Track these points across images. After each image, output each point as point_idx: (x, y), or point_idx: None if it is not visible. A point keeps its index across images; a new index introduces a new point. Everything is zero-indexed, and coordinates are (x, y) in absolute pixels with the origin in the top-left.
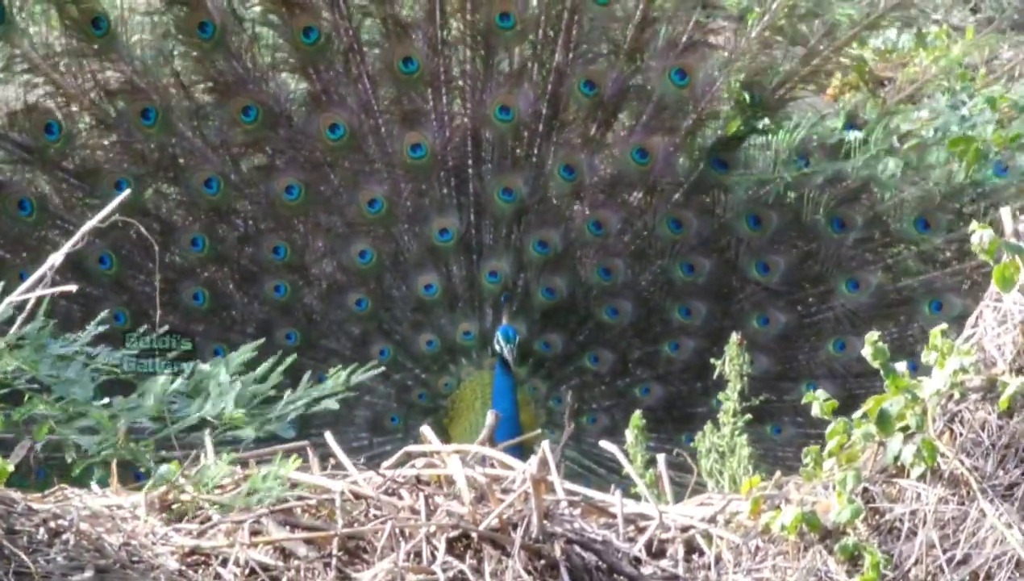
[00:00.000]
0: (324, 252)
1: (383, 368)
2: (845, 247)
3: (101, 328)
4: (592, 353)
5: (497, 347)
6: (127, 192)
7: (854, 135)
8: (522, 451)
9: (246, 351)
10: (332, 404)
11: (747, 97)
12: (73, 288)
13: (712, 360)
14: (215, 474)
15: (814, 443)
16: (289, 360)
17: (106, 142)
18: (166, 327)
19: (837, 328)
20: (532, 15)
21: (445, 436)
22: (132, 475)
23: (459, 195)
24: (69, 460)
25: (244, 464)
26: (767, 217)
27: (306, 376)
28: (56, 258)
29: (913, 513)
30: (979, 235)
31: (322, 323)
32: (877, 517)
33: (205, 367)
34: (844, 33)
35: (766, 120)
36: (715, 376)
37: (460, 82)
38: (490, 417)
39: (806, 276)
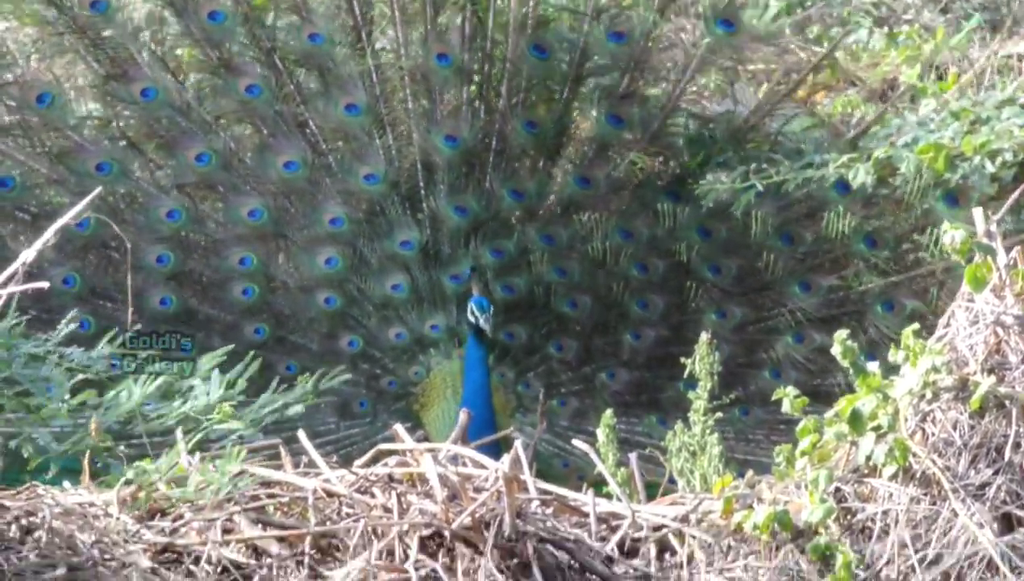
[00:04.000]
0: (290, 262)
1: (349, 375)
2: (795, 259)
3: (72, 326)
4: (556, 341)
5: (472, 318)
6: (99, 189)
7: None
8: (496, 429)
9: (216, 356)
10: (299, 408)
11: (706, 135)
12: (45, 285)
13: (682, 359)
14: (173, 464)
15: (782, 426)
16: (256, 363)
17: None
18: (139, 327)
19: (793, 323)
20: (473, 56)
21: (415, 422)
22: (99, 468)
23: (415, 213)
24: (26, 455)
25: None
26: (716, 229)
27: (274, 383)
28: (28, 254)
29: (885, 513)
30: (951, 235)
31: (291, 319)
32: (849, 517)
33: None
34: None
35: (729, 153)
36: (686, 374)
37: (405, 119)
38: (462, 416)
39: (758, 278)
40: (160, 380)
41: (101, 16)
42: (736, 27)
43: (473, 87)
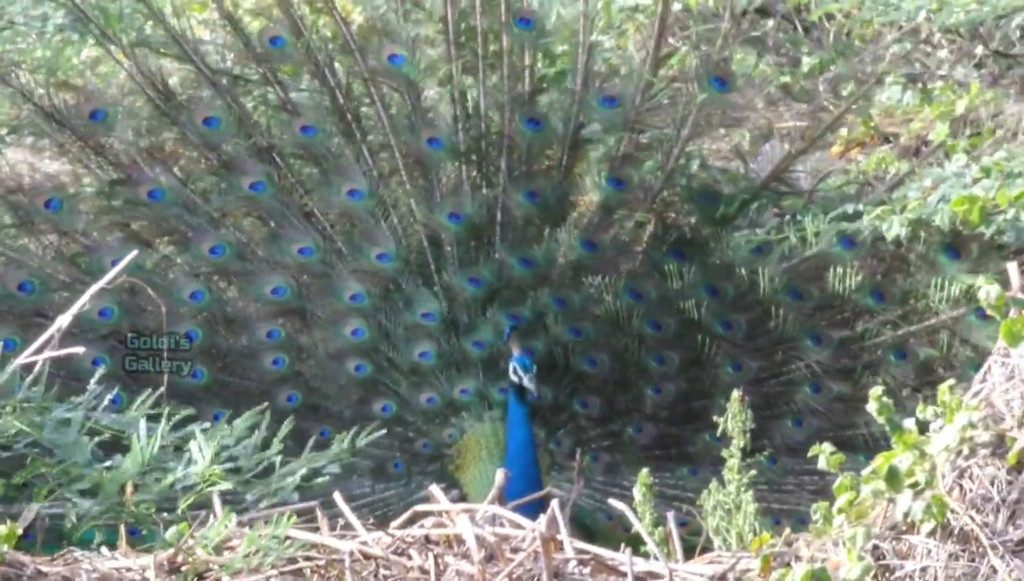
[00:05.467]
0: (317, 334)
1: (384, 431)
2: (804, 314)
3: (100, 388)
4: (580, 399)
5: (515, 378)
6: (134, 253)
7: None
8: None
9: (250, 416)
10: (334, 468)
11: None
12: (81, 350)
13: (715, 418)
14: (222, 534)
15: (811, 476)
16: (289, 426)
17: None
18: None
19: (809, 375)
20: (466, 135)
21: (450, 482)
22: (133, 534)
23: (430, 286)
24: (69, 525)
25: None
26: (723, 288)
27: (310, 442)
28: (64, 320)
29: (924, 570)
30: (986, 291)
31: (323, 386)
32: (888, 574)
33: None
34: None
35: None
36: (719, 432)
37: (406, 200)
38: (499, 476)
39: (769, 332)
40: (157, 436)
41: (101, 124)
42: (729, 85)
43: (470, 165)
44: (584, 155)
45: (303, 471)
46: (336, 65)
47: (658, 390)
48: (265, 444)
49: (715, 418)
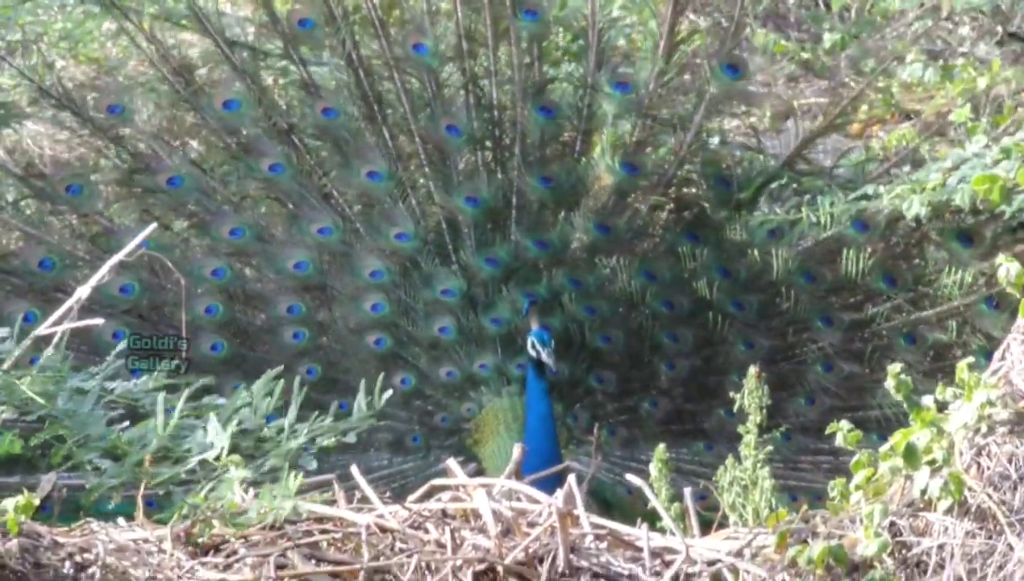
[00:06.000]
0: (338, 309)
1: (401, 399)
2: (816, 296)
3: (118, 359)
4: (596, 374)
5: (533, 352)
6: (153, 225)
7: None
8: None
9: (267, 379)
10: (350, 438)
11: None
12: (100, 321)
13: (731, 394)
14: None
15: (825, 454)
16: (304, 392)
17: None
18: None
19: (821, 356)
20: (482, 125)
21: (468, 456)
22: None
23: (448, 265)
24: (88, 490)
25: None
26: (735, 269)
27: (332, 406)
28: (83, 291)
29: (941, 547)
30: (1006, 268)
31: (343, 360)
32: (904, 551)
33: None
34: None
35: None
36: (735, 408)
37: (425, 183)
38: (516, 450)
39: (781, 314)
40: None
41: (118, 117)
42: (742, 72)
43: (485, 151)
44: (597, 140)
45: (312, 434)
46: (361, 49)
47: (672, 366)
48: (280, 413)
49: (732, 394)
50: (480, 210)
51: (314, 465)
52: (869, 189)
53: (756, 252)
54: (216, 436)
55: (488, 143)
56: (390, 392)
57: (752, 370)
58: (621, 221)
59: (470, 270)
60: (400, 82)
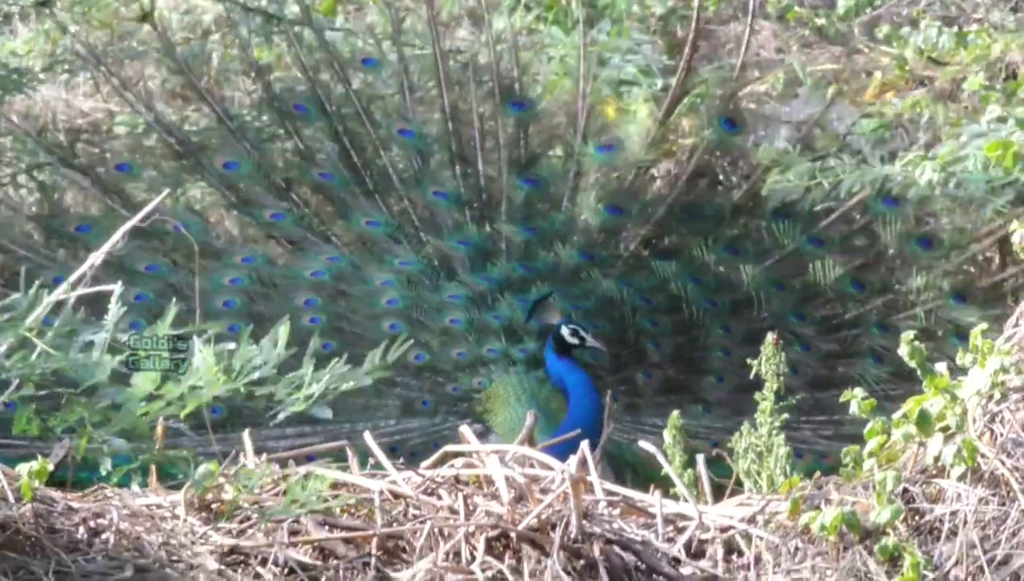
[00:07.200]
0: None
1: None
2: (868, 305)
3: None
4: (644, 372)
5: (575, 340)
6: (167, 191)
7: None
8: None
9: (281, 325)
10: (367, 379)
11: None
12: (117, 286)
13: (748, 360)
14: (254, 475)
15: (848, 432)
16: (316, 342)
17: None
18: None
19: (873, 350)
20: (468, 191)
21: (476, 420)
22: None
23: (451, 280)
24: (104, 472)
25: (283, 463)
26: (705, 280)
27: (344, 357)
28: (96, 257)
29: (953, 514)
30: (1019, 234)
31: (359, 342)
32: (917, 518)
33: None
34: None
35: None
36: (751, 376)
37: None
38: (529, 418)
39: (752, 321)
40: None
41: (127, 175)
42: (739, 127)
43: (472, 209)
44: (585, 193)
45: (339, 380)
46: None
47: (657, 344)
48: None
49: (748, 361)
50: (471, 249)
51: (329, 414)
52: (884, 155)
53: (723, 268)
54: (202, 357)
55: (474, 204)
56: (411, 342)
57: (770, 337)
58: (605, 252)
59: (468, 285)
60: (388, 159)
